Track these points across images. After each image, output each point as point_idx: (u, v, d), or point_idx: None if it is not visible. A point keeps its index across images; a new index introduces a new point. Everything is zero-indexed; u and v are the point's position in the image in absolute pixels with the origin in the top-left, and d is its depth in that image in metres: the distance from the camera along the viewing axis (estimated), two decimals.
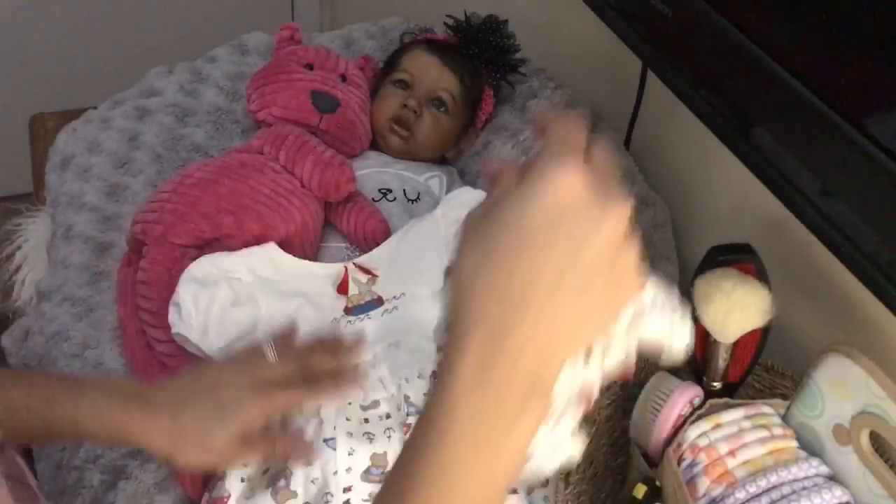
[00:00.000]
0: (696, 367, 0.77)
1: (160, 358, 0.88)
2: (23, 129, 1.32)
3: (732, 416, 0.71)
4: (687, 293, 0.74)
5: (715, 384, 0.76)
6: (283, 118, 1.08)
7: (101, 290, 0.97)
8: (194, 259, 0.89)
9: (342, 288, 0.92)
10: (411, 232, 0.96)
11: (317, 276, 0.93)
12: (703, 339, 0.75)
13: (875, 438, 0.66)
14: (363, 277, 0.93)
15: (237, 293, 0.88)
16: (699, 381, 0.76)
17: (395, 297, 0.91)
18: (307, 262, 0.95)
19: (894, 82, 0.68)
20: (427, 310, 0.91)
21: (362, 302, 0.91)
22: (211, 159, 1.06)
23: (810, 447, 0.71)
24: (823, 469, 0.68)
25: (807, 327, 0.87)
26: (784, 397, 0.76)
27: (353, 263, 0.94)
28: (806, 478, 0.67)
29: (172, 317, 0.85)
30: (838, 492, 0.66)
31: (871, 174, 0.69)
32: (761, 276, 0.74)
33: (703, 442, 0.70)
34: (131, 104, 1.18)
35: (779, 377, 0.82)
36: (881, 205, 0.71)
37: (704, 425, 0.70)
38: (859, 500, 0.67)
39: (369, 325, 0.89)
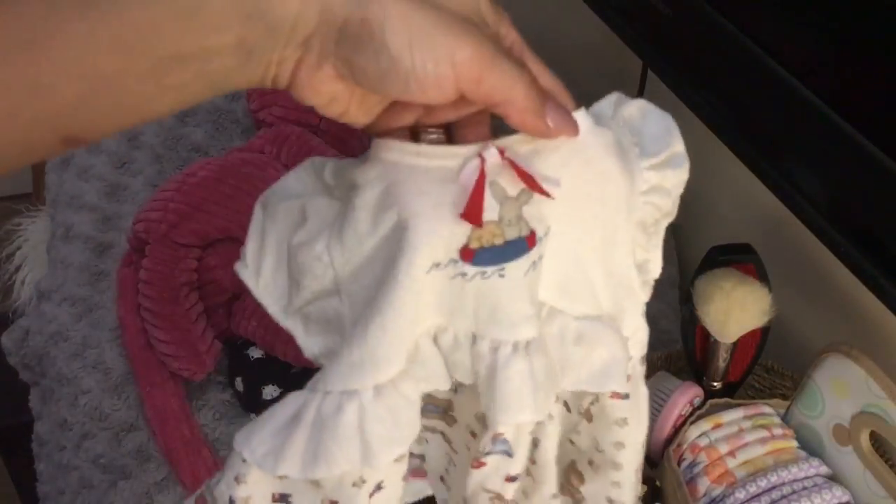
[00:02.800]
0: (697, 367, 0.77)
1: (161, 358, 0.88)
2: None
3: (732, 416, 0.71)
4: (687, 293, 0.74)
5: (715, 384, 0.76)
6: (283, 118, 1.08)
7: (101, 289, 0.97)
8: (196, 259, 0.89)
9: (474, 205, 0.43)
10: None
11: (429, 173, 0.44)
12: (703, 339, 0.75)
13: (875, 438, 0.66)
14: (515, 187, 0.44)
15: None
16: (699, 381, 0.76)
17: (544, 237, 0.47)
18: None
19: (893, 81, 0.68)
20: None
21: (499, 241, 0.45)
22: (213, 159, 1.06)
23: (810, 447, 0.71)
24: (823, 469, 0.68)
25: (807, 327, 0.87)
26: (784, 397, 0.76)
27: (500, 150, 0.44)
28: (806, 478, 0.67)
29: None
30: (838, 492, 0.66)
31: (872, 174, 0.69)
32: (761, 276, 0.74)
33: (703, 442, 0.70)
34: None
35: (779, 377, 0.82)
36: (881, 204, 0.71)
37: (704, 425, 0.70)
38: (859, 500, 0.67)
39: (503, 293, 0.46)
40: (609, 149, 0.49)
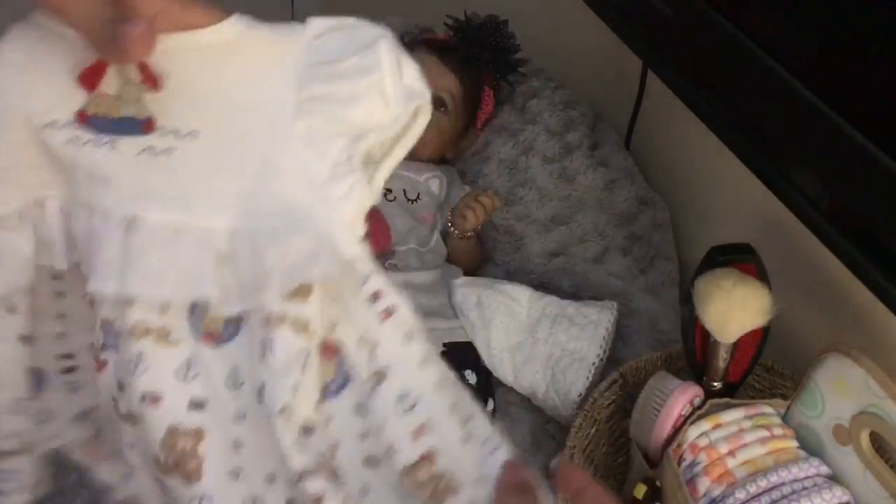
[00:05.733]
0: (697, 367, 0.77)
1: None
2: None
3: (732, 416, 0.71)
4: (687, 293, 0.74)
5: (715, 384, 0.76)
6: None
7: None
8: None
9: (90, 74, 0.49)
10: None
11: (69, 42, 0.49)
12: (703, 339, 0.75)
13: (875, 438, 0.66)
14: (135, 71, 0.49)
15: None
16: (699, 381, 0.76)
17: (178, 133, 0.50)
18: None
19: (893, 81, 0.69)
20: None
21: (115, 114, 0.51)
22: None
23: (810, 447, 0.71)
24: (823, 469, 0.68)
25: (807, 327, 0.87)
26: (784, 397, 0.76)
27: None
28: (806, 478, 0.67)
29: None
30: (838, 492, 0.66)
31: (872, 174, 0.69)
32: (761, 276, 0.74)
33: (703, 442, 0.70)
34: None
35: (779, 377, 0.82)
36: (881, 204, 0.71)
37: (704, 425, 0.70)
38: (859, 500, 0.67)
39: (113, 165, 0.51)
40: (269, 51, 0.53)
